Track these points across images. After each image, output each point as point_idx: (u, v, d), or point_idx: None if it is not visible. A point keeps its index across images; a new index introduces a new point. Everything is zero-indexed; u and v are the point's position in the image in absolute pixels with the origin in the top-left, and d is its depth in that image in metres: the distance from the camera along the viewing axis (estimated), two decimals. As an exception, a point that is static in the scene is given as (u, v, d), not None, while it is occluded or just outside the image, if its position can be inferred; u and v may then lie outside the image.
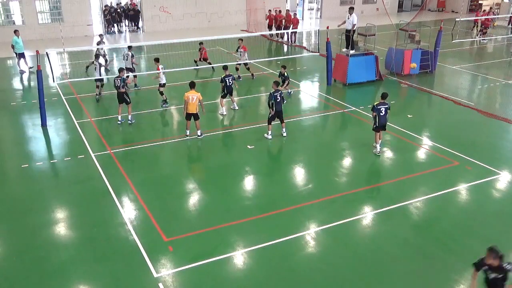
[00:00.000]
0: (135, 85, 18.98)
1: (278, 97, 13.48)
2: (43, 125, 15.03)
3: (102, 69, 19.01)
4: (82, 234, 9.50)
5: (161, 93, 16.70)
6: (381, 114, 12.52)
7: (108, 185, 11.29)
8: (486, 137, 14.26)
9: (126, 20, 33.03)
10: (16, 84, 20.52)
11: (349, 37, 19.33)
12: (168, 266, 8.49)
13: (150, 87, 18.73)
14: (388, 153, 13.10)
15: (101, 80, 17.83)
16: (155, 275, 8.24)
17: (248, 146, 13.48)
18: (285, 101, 13.92)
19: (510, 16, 33.50)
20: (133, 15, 32.50)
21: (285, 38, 28.94)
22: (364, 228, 9.74)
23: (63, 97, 17.85)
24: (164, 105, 16.75)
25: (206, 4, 32.98)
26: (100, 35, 22.03)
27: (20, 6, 28.58)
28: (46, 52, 15.94)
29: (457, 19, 25.27)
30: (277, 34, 29.41)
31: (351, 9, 19.69)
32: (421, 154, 13.19)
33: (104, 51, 21.51)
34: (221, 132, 14.81)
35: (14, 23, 28.85)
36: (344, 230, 9.59)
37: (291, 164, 12.52)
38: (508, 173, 11.86)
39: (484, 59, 24.34)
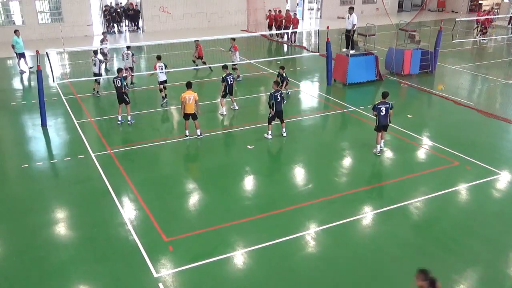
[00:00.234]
0: (132, 82, 19.11)
1: (279, 97, 13.48)
2: (43, 125, 15.03)
3: (102, 65, 19.17)
4: (82, 234, 9.50)
5: (160, 90, 16.90)
6: (381, 113, 12.46)
7: (108, 185, 11.29)
8: (486, 137, 14.26)
9: (126, 20, 33.03)
10: (16, 84, 20.52)
11: (349, 37, 19.34)
12: (168, 266, 8.49)
13: (150, 87, 18.74)
14: (388, 153, 13.10)
15: (100, 75, 18.14)
16: (155, 275, 8.24)
17: (248, 146, 13.48)
18: (285, 101, 13.92)
19: (510, 16, 33.49)
20: (133, 15, 32.51)
21: (285, 38, 28.94)
22: (364, 228, 9.74)
23: (63, 97, 17.85)
24: (162, 102, 16.92)
25: (206, 4, 32.98)
26: (104, 33, 22.03)
27: (20, 6, 28.58)
28: (46, 52, 15.96)
29: (457, 19, 25.27)
30: (277, 34, 29.40)
31: (351, 9, 19.70)
32: (421, 154, 13.19)
33: (107, 50, 21.48)
34: (221, 132, 14.81)
35: (14, 23, 28.85)
36: (344, 230, 9.59)
37: (291, 164, 12.52)
38: (508, 173, 11.86)
39: (484, 59, 24.34)
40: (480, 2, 41.05)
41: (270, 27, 29.40)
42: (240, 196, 10.98)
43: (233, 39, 19.65)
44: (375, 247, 9.03)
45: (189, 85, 13.67)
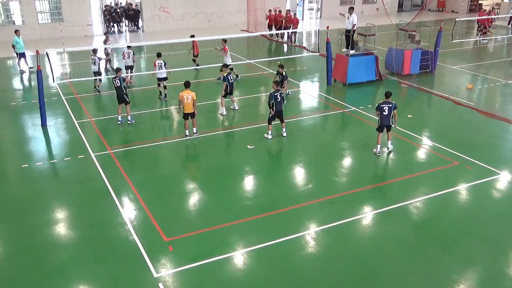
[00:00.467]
0: (130, 84, 19.13)
1: (279, 97, 13.48)
2: (43, 125, 15.04)
3: (102, 62, 19.34)
4: (82, 234, 9.50)
5: (158, 85, 17.32)
6: (384, 113, 12.45)
7: (108, 185, 11.29)
8: (486, 137, 14.26)
9: (126, 20, 33.04)
10: (16, 84, 20.52)
11: (349, 37, 19.34)
12: (168, 266, 8.49)
13: (150, 87, 18.74)
14: (387, 153, 13.09)
15: (99, 73, 18.47)
16: (155, 275, 8.24)
17: (248, 146, 13.48)
18: (285, 101, 13.91)
19: (510, 16, 33.49)
20: (133, 15, 32.52)
21: (285, 38, 28.94)
22: (364, 228, 9.74)
23: (63, 97, 17.85)
24: (160, 96, 17.55)
25: (206, 4, 32.98)
26: (106, 34, 22.03)
27: (20, 6, 28.58)
28: (46, 52, 15.96)
29: (457, 19, 25.27)
30: (277, 34, 29.41)
31: (351, 9, 19.71)
32: (421, 154, 13.19)
33: (110, 50, 21.46)
34: (221, 132, 14.81)
35: (14, 23, 28.86)
36: (344, 230, 9.58)
37: (291, 164, 12.52)
38: (508, 173, 11.86)
39: (484, 59, 24.33)
40: (480, 2, 41.06)
41: (270, 27, 29.40)
42: (240, 196, 10.98)
43: (224, 40, 19.52)
44: (375, 247, 9.03)
45: (187, 85, 13.69)
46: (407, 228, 9.65)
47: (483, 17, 28.75)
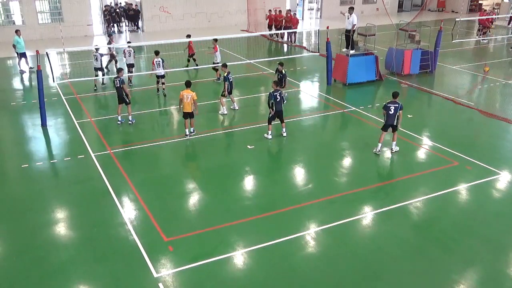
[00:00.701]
0: (130, 81, 19.22)
1: (278, 96, 13.48)
2: (43, 125, 15.04)
3: (104, 58, 19.53)
4: (82, 234, 9.50)
5: (157, 82, 17.81)
6: (390, 112, 12.54)
7: (108, 185, 11.29)
8: (486, 137, 14.26)
9: (127, 20, 33.04)
10: (16, 84, 20.52)
11: (349, 37, 19.35)
12: (168, 266, 8.49)
13: (150, 87, 18.74)
14: (388, 153, 13.09)
15: (102, 70, 18.88)
16: (155, 275, 8.24)
17: (248, 146, 13.48)
18: (285, 101, 13.90)
19: (511, 16, 33.49)
20: (133, 15, 32.52)
21: (285, 38, 28.94)
22: (364, 228, 9.74)
23: (63, 97, 17.85)
24: (158, 93, 18.00)
25: (206, 4, 32.98)
26: (110, 36, 22.11)
27: (20, 6, 28.58)
28: (46, 52, 15.96)
29: (457, 19, 25.27)
30: (277, 34, 29.41)
31: (351, 9, 19.71)
32: (421, 154, 13.19)
33: (115, 51, 21.43)
34: (221, 132, 14.81)
35: (14, 23, 28.86)
36: (344, 230, 9.58)
37: (291, 164, 12.52)
38: (508, 173, 11.86)
39: (484, 59, 24.32)
40: (480, 2, 41.06)
41: (270, 27, 29.40)
42: (240, 196, 10.98)
43: (215, 39, 19.50)
44: (375, 247, 9.03)
45: (188, 84, 13.75)
46: (407, 228, 9.65)
47: (484, 17, 28.75)
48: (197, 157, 13.47)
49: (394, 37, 22.07)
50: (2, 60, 24.13)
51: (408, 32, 20.79)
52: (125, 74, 15.46)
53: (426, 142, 13.78)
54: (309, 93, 18.78)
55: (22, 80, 20.92)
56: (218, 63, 19.19)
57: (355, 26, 19.33)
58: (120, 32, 32.29)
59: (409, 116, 15.84)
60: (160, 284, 8.01)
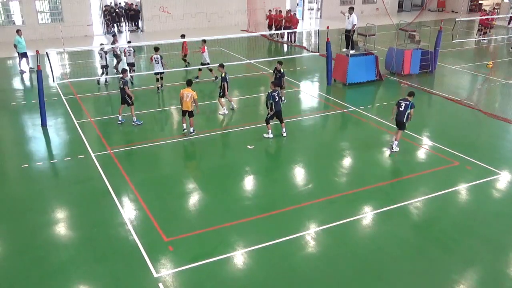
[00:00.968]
0: (131, 82, 19.28)
1: (276, 96, 13.52)
2: (43, 125, 15.03)
3: (108, 55, 19.72)
4: (82, 234, 9.50)
5: (157, 80, 18.17)
6: (400, 109, 12.72)
7: (108, 185, 11.29)
8: (486, 137, 14.26)
9: (127, 20, 33.04)
10: (16, 84, 20.52)
11: (349, 37, 19.35)
12: (168, 266, 8.49)
13: (150, 87, 18.75)
14: (388, 153, 13.10)
15: (107, 67, 19.17)
16: (155, 275, 8.24)
17: (248, 146, 13.48)
18: (284, 101, 13.89)
19: (510, 16, 33.49)
20: (133, 15, 32.52)
21: (285, 38, 28.94)
22: (364, 228, 9.74)
23: (63, 97, 17.85)
24: (158, 91, 18.25)
25: (206, 4, 32.98)
26: (114, 35, 22.14)
27: (20, 6, 28.59)
28: (46, 52, 15.97)
29: (457, 19, 25.28)
30: (277, 34, 29.41)
31: (351, 9, 19.71)
32: (421, 154, 13.19)
33: (119, 50, 21.43)
34: (221, 132, 14.81)
35: (14, 23, 28.86)
36: (344, 230, 9.58)
37: (291, 164, 12.52)
38: (508, 173, 11.86)
39: (484, 59, 24.32)
40: (480, 2, 41.06)
41: (270, 27, 29.40)
42: (240, 196, 10.98)
43: (204, 40, 19.47)
44: (375, 247, 9.03)
45: (189, 83, 13.85)
46: (407, 228, 9.65)
47: (485, 17, 28.75)
48: (197, 157, 13.48)
49: (394, 37, 22.08)
50: (2, 60, 24.13)
51: (408, 32, 20.79)
52: (129, 75, 15.48)
53: (426, 142, 13.78)
54: (309, 93, 18.78)
55: (22, 80, 20.91)
56: (207, 63, 19.30)
57: (355, 26, 19.33)
58: (120, 32, 32.27)
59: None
60: (160, 284, 8.01)
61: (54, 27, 28.45)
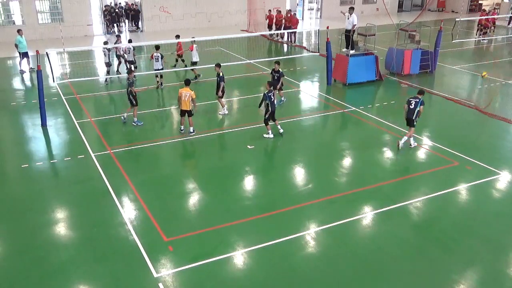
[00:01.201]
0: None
1: (272, 97, 13.58)
2: (43, 125, 15.03)
3: (112, 53, 20.00)
4: (82, 234, 9.50)
5: (156, 76, 18.77)
6: (410, 107, 12.96)
7: (108, 185, 11.29)
8: (486, 137, 14.27)
9: (127, 20, 33.04)
10: (16, 84, 20.52)
11: (349, 37, 19.35)
12: (168, 266, 8.49)
13: (149, 87, 18.76)
14: (388, 153, 13.11)
15: (110, 65, 19.61)
16: (155, 275, 8.24)
17: (248, 146, 13.48)
18: (284, 100, 13.90)
19: (510, 16, 33.49)
20: (133, 15, 32.52)
21: (285, 38, 28.94)
22: (364, 228, 9.74)
23: (63, 97, 17.85)
24: (157, 86, 18.82)
25: (206, 4, 32.98)
26: (118, 36, 22.22)
27: (20, 6, 28.58)
28: (46, 52, 15.96)
29: (457, 19, 25.27)
30: (277, 34, 29.41)
31: (351, 9, 19.71)
32: (421, 154, 13.19)
33: (122, 50, 21.41)
34: (221, 132, 14.81)
35: (14, 23, 28.86)
36: (344, 230, 9.59)
37: (291, 164, 12.51)
38: (508, 173, 11.86)
39: (484, 59, 24.33)
40: (480, 2, 41.05)
41: (270, 27, 29.40)
42: (240, 196, 10.98)
43: (193, 37, 19.76)
44: (375, 247, 9.03)
45: (187, 83, 13.93)
46: (407, 228, 9.65)
47: (485, 17, 28.75)
48: (197, 157, 13.47)
49: (394, 37, 22.08)
50: (2, 60, 24.12)
51: (408, 32, 20.79)
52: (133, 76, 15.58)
53: (426, 142, 13.78)
54: (309, 93, 18.78)
55: (22, 80, 20.91)
56: (195, 62, 19.56)
57: (355, 26, 19.33)
58: (120, 32, 32.25)
59: (409, 116, 15.87)
60: (160, 284, 8.01)
61: (54, 27, 28.45)
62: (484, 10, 32.50)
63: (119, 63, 20.70)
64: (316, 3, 38.77)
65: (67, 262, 8.61)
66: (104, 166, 12.25)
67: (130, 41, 20.31)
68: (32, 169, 12.26)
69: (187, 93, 13.63)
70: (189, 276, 8.27)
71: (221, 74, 15.63)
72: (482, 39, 28.61)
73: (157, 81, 18.90)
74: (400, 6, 41.65)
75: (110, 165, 12.30)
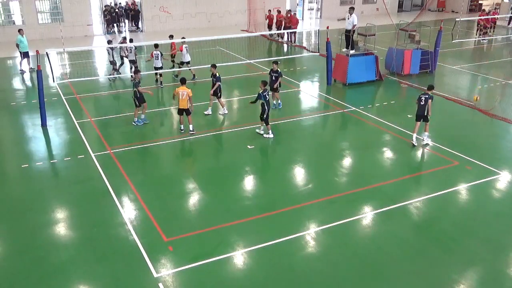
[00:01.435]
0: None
1: (267, 96, 13.64)
2: (43, 125, 15.03)
3: (115, 51, 20.31)
4: (82, 234, 9.50)
5: (155, 74, 19.16)
6: (421, 103, 13.08)
7: (108, 185, 11.29)
8: (486, 137, 14.26)
9: (127, 20, 33.05)
10: (16, 84, 20.51)
11: (349, 37, 19.35)
12: (168, 266, 8.49)
13: (149, 87, 18.74)
14: (388, 153, 13.11)
15: (114, 63, 19.86)
16: (155, 275, 8.24)
17: (248, 146, 13.48)
18: (275, 107, 14.02)
19: (510, 16, 33.48)
20: (133, 15, 32.53)
21: (285, 38, 28.95)
22: (364, 228, 9.74)
23: (63, 97, 17.85)
24: (157, 83, 19.24)
25: (206, 4, 32.98)
26: (124, 38, 22.29)
27: (20, 6, 28.59)
28: (46, 52, 15.96)
29: (457, 19, 25.27)
30: (277, 34, 29.41)
31: (351, 9, 19.71)
32: (421, 154, 13.19)
33: (125, 51, 21.29)
34: (221, 132, 14.81)
35: (14, 23, 28.87)
36: (344, 230, 9.58)
37: (291, 164, 12.51)
38: (508, 173, 11.86)
39: (484, 59, 24.33)
40: (480, 2, 41.03)
41: (270, 27, 29.40)
42: (240, 196, 10.98)
43: (183, 37, 19.85)
44: (375, 247, 9.03)
45: (183, 81, 14.06)
46: (407, 228, 9.65)
47: (485, 17, 28.75)
48: (197, 157, 13.47)
49: (394, 37, 22.08)
50: (2, 60, 24.11)
51: (408, 32, 20.79)
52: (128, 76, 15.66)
53: (426, 142, 13.77)
54: (309, 93, 18.78)
55: (22, 80, 20.91)
56: (187, 62, 19.65)
57: (355, 26, 19.33)
58: (120, 32, 32.29)
59: (409, 116, 15.83)
60: (160, 284, 8.01)
61: (54, 27, 28.44)
62: (484, 10, 32.50)
63: (122, 63, 20.68)
64: (316, 3, 38.77)
65: (67, 262, 8.61)
66: (104, 166, 12.25)
67: (131, 40, 20.41)
68: (32, 169, 12.26)
69: (184, 91, 13.69)
70: (189, 276, 8.27)
71: (217, 75, 15.55)
72: (482, 39, 28.61)
73: (156, 79, 19.24)
74: (400, 6, 41.65)
75: (110, 165, 12.30)
